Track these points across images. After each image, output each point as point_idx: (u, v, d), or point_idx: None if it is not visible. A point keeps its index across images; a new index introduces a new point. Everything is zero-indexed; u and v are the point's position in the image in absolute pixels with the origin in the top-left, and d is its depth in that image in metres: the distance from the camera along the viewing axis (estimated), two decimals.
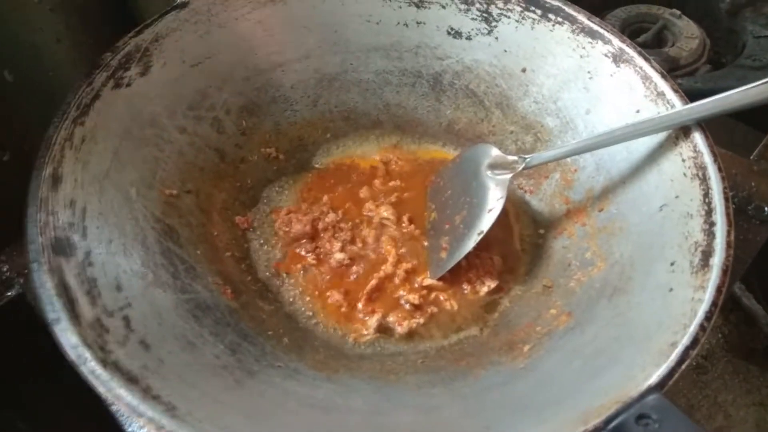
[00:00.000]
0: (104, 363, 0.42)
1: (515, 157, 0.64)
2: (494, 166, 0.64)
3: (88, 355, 0.42)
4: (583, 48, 0.66)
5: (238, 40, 0.68)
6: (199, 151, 0.65)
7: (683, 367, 0.43)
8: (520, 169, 0.63)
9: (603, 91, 0.64)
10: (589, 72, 0.66)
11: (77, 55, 0.80)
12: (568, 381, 0.47)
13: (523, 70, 0.70)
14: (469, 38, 0.72)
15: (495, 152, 0.65)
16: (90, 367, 0.42)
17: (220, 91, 0.68)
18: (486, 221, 0.61)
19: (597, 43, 0.65)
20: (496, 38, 0.70)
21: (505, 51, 0.70)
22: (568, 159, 0.67)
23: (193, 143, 0.65)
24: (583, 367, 0.48)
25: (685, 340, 0.44)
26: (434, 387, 0.53)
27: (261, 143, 0.71)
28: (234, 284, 0.60)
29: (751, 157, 0.73)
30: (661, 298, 0.49)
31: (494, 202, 0.62)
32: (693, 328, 0.45)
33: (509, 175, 0.63)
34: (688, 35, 0.92)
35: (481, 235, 0.61)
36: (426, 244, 0.66)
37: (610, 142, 0.59)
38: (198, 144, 0.65)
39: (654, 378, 0.43)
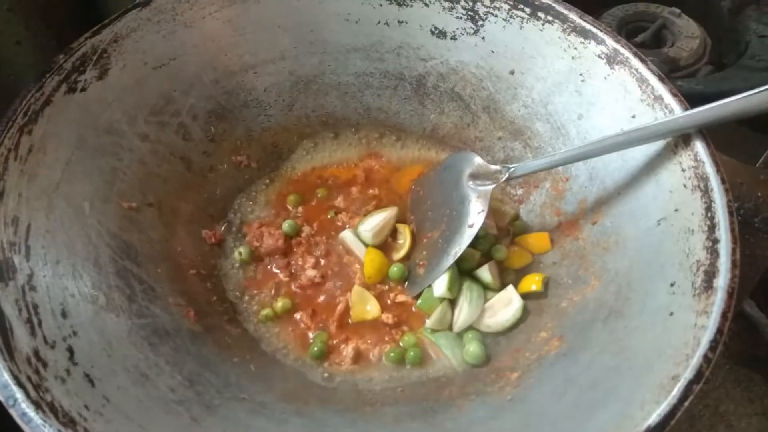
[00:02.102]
0: (36, 404, 0.38)
1: (498, 167, 0.60)
2: (476, 176, 0.61)
3: (18, 395, 0.38)
4: (575, 48, 0.61)
5: (206, 40, 0.64)
6: (162, 160, 0.61)
7: (686, 404, 0.39)
8: (503, 179, 0.59)
9: (596, 95, 0.60)
10: (581, 74, 0.61)
11: (39, 58, 0.75)
12: (561, 417, 0.43)
13: (512, 73, 0.66)
14: (454, 38, 0.67)
15: (478, 161, 0.62)
16: (20, 409, 0.38)
17: (186, 95, 0.63)
18: (465, 238, 0.57)
19: (590, 43, 0.61)
20: (483, 38, 0.66)
21: (493, 52, 0.66)
22: (559, 168, 0.63)
23: (156, 151, 0.60)
24: (577, 400, 0.44)
25: (688, 374, 0.40)
26: (414, 420, 0.48)
27: (231, 150, 0.67)
28: (198, 305, 0.55)
29: (757, 165, 0.69)
30: (660, 322, 0.45)
31: (474, 217, 0.58)
32: (696, 359, 0.41)
33: (491, 187, 0.60)
34: (688, 35, 0.88)
35: (458, 254, 0.57)
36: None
37: (602, 151, 0.54)
38: (161, 152, 0.61)
39: (653, 418, 0.38)
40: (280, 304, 0.58)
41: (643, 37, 0.90)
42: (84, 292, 0.48)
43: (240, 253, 0.61)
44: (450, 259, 0.57)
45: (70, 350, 0.43)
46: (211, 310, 0.56)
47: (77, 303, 0.47)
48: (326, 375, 0.54)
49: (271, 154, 0.69)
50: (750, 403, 0.97)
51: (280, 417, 0.47)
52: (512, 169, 0.59)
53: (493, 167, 0.61)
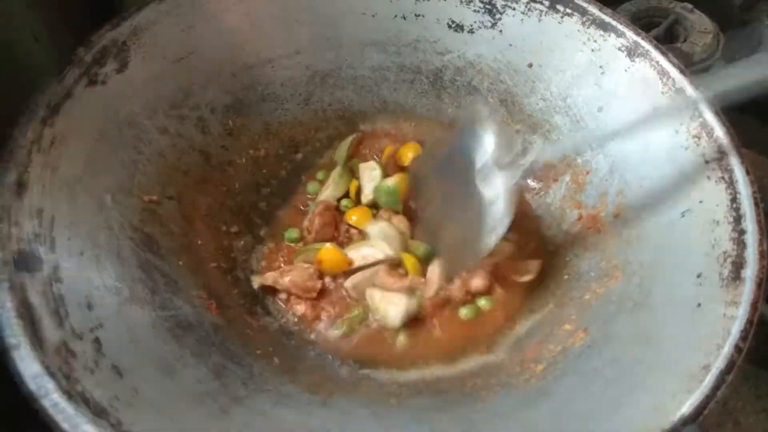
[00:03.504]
0: (69, 394, 0.38)
1: (519, 150, 0.57)
2: (493, 167, 0.55)
3: (51, 385, 0.37)
4: (595, 41, 0.61)
5: (224, 33, 0.63)
6: (182, 154, 0.61)
7: (719, 393, 0.39)
8: (523, 169, 0.54)
9: (616, 88, 0.60)
10: (601, 67, 0.61)
11: (58, 55, 0.75)
12: (588, 408, 0.43)
13: (530, 66, 0.65)
14: (471, 32, 0.67)
15: (493, 144, 0.55)
16: (52, 400, 0.37)
17: (204, 89, 0.63)
18: (486, 244, 0.54)
19: (609, 36, 0.60)
20: (501, 32, 0.65)
21: (510, 45, 0.66)
22: (579, 161, 0.63)
23: (176, 145, 0.60)
24: (604, 391, 0.44)
25: (719, 363, 0.40)
26: (438, 412, 0.48)
27: (249, 144, 0.66)
28: (219, 298, 0.55)
29: None
30: (688, 314, 0.45)
31: (496, 222, 0.54)
32: (727, 348, 0.41)
33: (513, 182, 0.53)
34: (701, 30, 0.87)
35: (479, 260, 0.56)
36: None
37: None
38: (181, 146, 0.61)
39: (686, 407, 0.38)
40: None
41: (656, 33, 0.89)
42: (108, 284, 0.48)
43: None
44: (472, 261, 0.57)
45: (98, 342, 0.43)
46: (232, 303, 0.56)
47: (102, 295, 0.47)
48: (349, 368, 0.54)
49: (288, 148, 0.69)
50: (758, 400, 0.97)
51: (305, 408, 0.47)
52: (530, 157, 0.54)
53: (513, 153, 0.55)
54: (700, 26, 0.89)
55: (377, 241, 0.61)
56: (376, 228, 0.63)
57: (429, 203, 0.62)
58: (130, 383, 0.41)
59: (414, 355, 0.56)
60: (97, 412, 0.37)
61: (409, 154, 0.69)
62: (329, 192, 0.66)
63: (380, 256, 0.59)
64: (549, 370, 0.49)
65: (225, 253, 0.60)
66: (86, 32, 0.63)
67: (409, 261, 0.60)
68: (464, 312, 0.58)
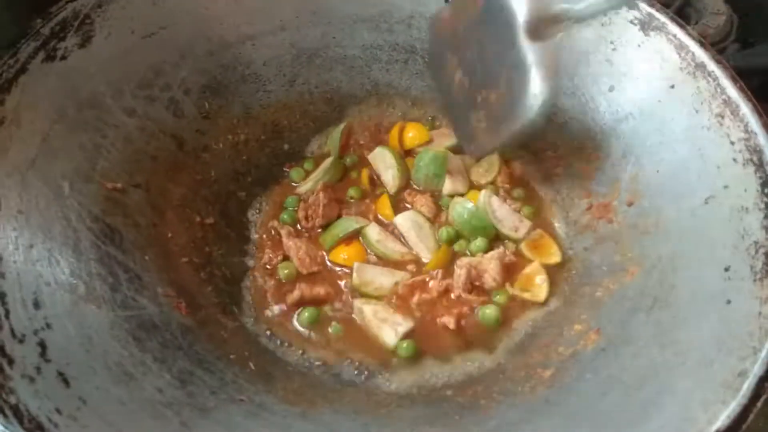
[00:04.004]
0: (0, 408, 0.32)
1: (558, 8, 0.46)
2: (533, 24, 0.46)
3: None
4: (605, 15, 0.56)
5: (200, 7, 0.58)
6: (151, 138, 0.55)
7: (758, 404, 0.33)
8: (566, 25, 0.47)
9: (629, 64, 0.55)
10: (612, 42, 0.56)
11: (17, 29, 0.69)
12: (606, 420, 0.37)
13: None
14: None
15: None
16: None
17: (177, 68, 0.57)
18: (528, 112, 0.47)
19: (621, 8, 0.55)
20: None
21: None
22: (589, 145, 0.57)
23: (144, 128, 0.55)
24: (623, 401, 0.38)
25: (757, 369, 0.35)
26: (433, 425, 0.42)
27: (227, 129, 0.61)
28: (190, 296, 0.50)
29: None
30: (716, 312, 0.40)
31: (538, 85, 0.46)
32: (765, 352, 0.35)
33: (551, 42, 0.47)
34: (713, 11, 0.82)
35: (522, 129, 0.49)
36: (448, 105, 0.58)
37: None
38: (150, 129, 0.55)
39: (722, 420, 0.33)
40: (286, 271, 0.56)
41: None
42: (61, 280, 0.43)
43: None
44: (518, 126, 0.49)
45: (42, 345, 0.38)
46: (205, 302, 0.51)
47: (53, 292, 0.41)
48: (333, 373, 0.48)
49: (271, 133, 0.63)
50: (764, 404, 0.92)
51: (282, 422, 0.41)
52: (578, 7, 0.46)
53: (552, 9, 0.47)
54: (713, 8, 0.84)
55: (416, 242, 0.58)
56: (405, 218, 0.59)
57: (458, 67, 0.55)
58: (77, 392, 0.36)
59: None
60: (31, 428, 0.32)
61: (409, 135, 0.65)
62: (320, 179, 0.61)
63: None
64: (558, 376, 0.43)
65: (198, 247, 0.55)
66: (47, 3, 0.58)
67: (437, 257, 0.57)
68: (487, 312, 0.53)
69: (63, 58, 0.50)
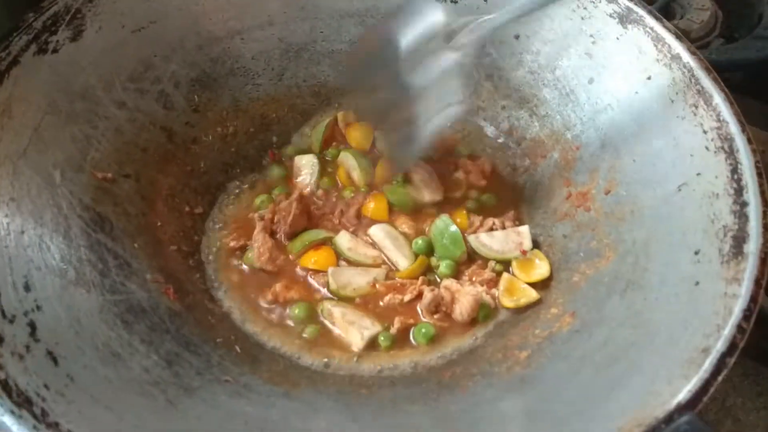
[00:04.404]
0: None
1: (464, 19, 0.50)
2: (423, 51, 0.50)
3: None
4: (585, 8, 0.57)
5: (189, 2, 0.59)
6: (141, 130, 0.56)
7: (719, 378, 0.35)
8: (468, 47, 0.50)
9: (608, 57, 0.56)
10: (591, 35, 0.57)
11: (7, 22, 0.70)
12: (576, 396, 0.39)
13: (516, 37, 0.62)
14: (454, 1, 0.63)
15: (438, 16, 0.50)
16: None
17: (167, 61, 0.59)
18: (428, 130, 0.53)
19: (600, 2, 0.57)
20: (486, 0, 0.61)
21: None
22: (569, 136, 0.59)
23: (135, 120, 0.56)
24: (593, 378, 0.39)
25: (720, 345, 0.36)
26: (413, 403, 0.44)
27: (217, 121, 0.62)
28: (179, 283, 0.51)
29: None
30: (686, 293, 0.41)
31: (454, 96, 0.52)
32: (729, 330, 0.37)
33: (449, 62, 0.50)
34: (698, 6, 0.84)
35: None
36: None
37: None
38: (140, 121, 0.56)
39: (684, 393, 0.34)
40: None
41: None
42: (51, 264, 0.44)
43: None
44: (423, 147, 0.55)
45: (32, 325, 0.39)
46: (193, 288, 0.52)
47: (43, 276, 0.43)
48: (316, 360, 0.49)
49: (259, 126, 0.65)
50: (758, 397, 0.93)
51: (266, 400, 0.43)
52: (478, 21, 0.50)
53: (459, 20, 0.50)
54: (698, 3, 0.85)
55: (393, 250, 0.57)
56: (379, 229, 0.58)
57: (369, 100, 0.59)
58: (65, 370, 0.37)
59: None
60: (19, 402, 0.33)
61: (353, 135, 0.65)
62: (303, 180, 0.62)
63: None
64: (534, 357, 0.45)
65: (187, 236, 0.56)
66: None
67: (413, 267, 0.56)
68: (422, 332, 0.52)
69: (54, 51, 0.51)
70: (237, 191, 0.61)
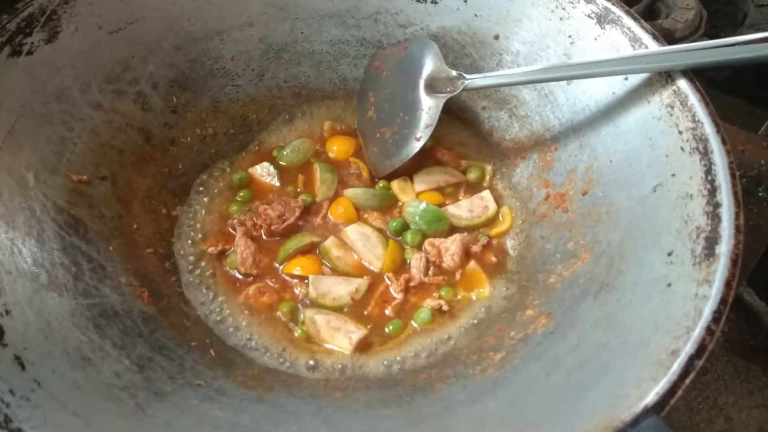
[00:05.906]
0: None
1: (455, 73, 0.58)
2: (433, 81, 0.60)
3: None
4: (563, 9, 0.57)
5: (167, 3, 0.59)
6: (118, 131, 0.56)
7: (687, 381, 0.35)
8: (457, 91, 0.57)
9: (586, 57, 0.56)
10: (570, 36, 0.57)
11: None
12: (547, 398, 0.39)
13: (496, 37, 0.61)
14: (435, 2, 0.63)
15: (437, 61, 0.60)
16: None
17: (145, 62, 0.58)
18: (410, 150, 0.59)
19: (579, 2, 0.56)
20: (465, 1, 0.61)
21: (476, 15, 0.62)
22: (547, 136, 0.59)
23: (111, 122, 0.56)
24: (564, 380, 0.39)
25: (689, 347, 0.36)
26: (387, 407, 0.44)
27: (196, 123, 0.62)
28: (154, 286, 0.51)
29: (760, 132, 0.64)
30: (657, 295, 0.41)
31: (422, 130, 0.59)
32: (698, 331, 0.36)
33: (444, 99, 0.58)
34: (682, 6, 0.83)
35: (402, 162, 0.60)
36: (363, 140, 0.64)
37: (584, 72, 0.52)
38: (117, 122, 0.56)
39: (651, 396, 0.34)
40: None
41: (636, 9, 0.85)
42: (23, 268, 0.44)
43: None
44: (398, 162, 0.60)
45: (0, 330, 0.38)
46: (169, 291, 0.52)
47: (13, 280, 0.42)
48: (290, 361, 0.49)
49: (239, 127, 0.64)
50: (750, 395, 0.93)
51: (238, 405, 0.42)
52: (468, 81, 0.57)
53: (452, 73, 0.59)
54: (682, 2, 0.85)
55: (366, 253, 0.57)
56: (353, 230, 0.58)
57: (383, 90, 0.64)
58: (33, 375, 0.37)
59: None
60: None
61: (334, 148, 0.65)
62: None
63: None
64: (508, 359, 0.45)
65: (164, 238, 0.56)
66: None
67: (387, 257, 0.57)
68: (421, 316, 0.53)
69: (29, 53, 0.51)
70: (215, 191, 0.61)
